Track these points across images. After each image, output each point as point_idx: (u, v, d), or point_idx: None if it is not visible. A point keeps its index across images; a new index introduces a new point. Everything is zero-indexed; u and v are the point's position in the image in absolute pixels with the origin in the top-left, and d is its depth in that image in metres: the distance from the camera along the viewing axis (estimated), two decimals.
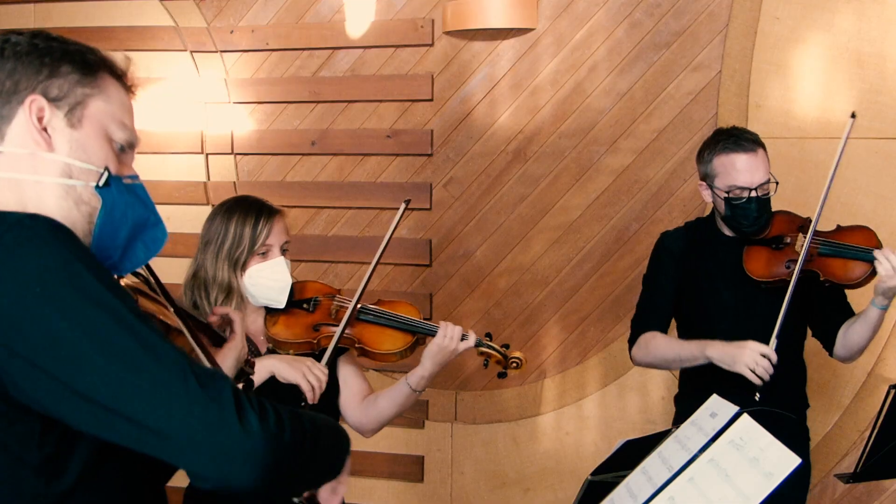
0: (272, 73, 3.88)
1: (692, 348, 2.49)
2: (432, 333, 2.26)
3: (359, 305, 2.31)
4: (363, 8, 3.75)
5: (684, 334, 2.68)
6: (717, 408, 1.73)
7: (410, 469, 3.82)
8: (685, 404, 2.69)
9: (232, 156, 3.95)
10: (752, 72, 3.35)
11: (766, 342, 2.49)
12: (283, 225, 2.28)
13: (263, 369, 2.08)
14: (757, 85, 3.33)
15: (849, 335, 2.52)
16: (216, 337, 1.71)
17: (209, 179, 3.97)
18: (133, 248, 1.26)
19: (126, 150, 1.27)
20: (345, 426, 2.21)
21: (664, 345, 2.58)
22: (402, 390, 2.30)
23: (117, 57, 1.30)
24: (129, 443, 1.03)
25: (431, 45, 3.69)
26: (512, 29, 3.58)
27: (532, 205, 3.67)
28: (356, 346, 2.30)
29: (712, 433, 1.64)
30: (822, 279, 2.45)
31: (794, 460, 1.47)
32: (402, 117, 3.76)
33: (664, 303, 2.65)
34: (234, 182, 3.94)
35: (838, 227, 2.57)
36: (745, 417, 1.61)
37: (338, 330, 2.24)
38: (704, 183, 2.61)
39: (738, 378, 2.41)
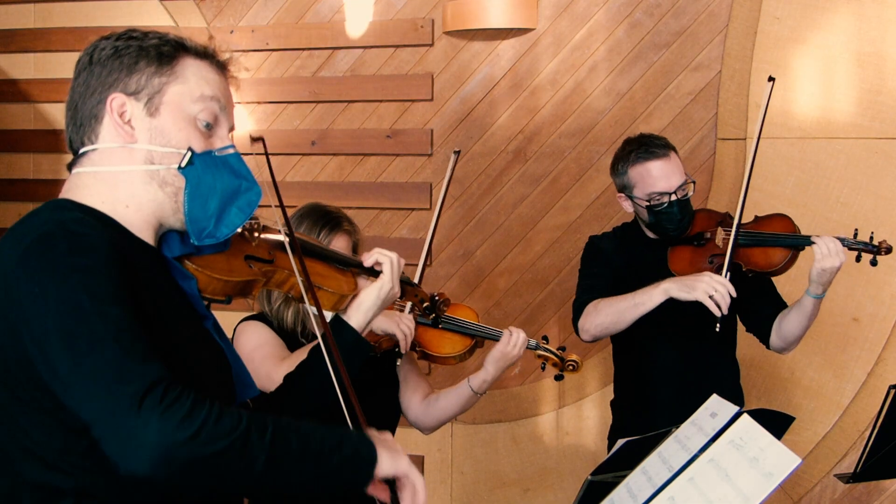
0: (272, 73, 3.88)
1: (647, 289, 2.41)
2: (493, 338, 2.29)
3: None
4: (363, 8, 3.75)
5: (620, 342, 2.69)
6: (717, 408, 1.73)
7: None
8: (616, 438, 2.63)
9: None
10: (752, 72, 3.35)
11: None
12: (346, 241, 2.20)
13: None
14: (757, 85, 3.32)
15: (784, 326, 2.51)
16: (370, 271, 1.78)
17: None
18: (227, 214, 1.37)
19: (212, 126, 1.36)
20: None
21: (614, 299, 2.49)
22: (464, 392, 2.31)
23: (199, 38, 1.39)
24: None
25: (431, 45, 3.69)
26: (512, 29, 3.58)
27: (532, 205, 3.67)
28: (416, 349, 2.33)
29: (712, 433, 1.64)
30: (744, 269, 2.46)
31: (794, 460, 1.47)
32: (401, 117, 3.76)
33: (603, 285, 2.58)
34: None
35: (756, 217, 2.58)
36: (745, 417, 1.61)
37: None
38: (623, 194, 2.59)
39: (670, 408, 2.37)
